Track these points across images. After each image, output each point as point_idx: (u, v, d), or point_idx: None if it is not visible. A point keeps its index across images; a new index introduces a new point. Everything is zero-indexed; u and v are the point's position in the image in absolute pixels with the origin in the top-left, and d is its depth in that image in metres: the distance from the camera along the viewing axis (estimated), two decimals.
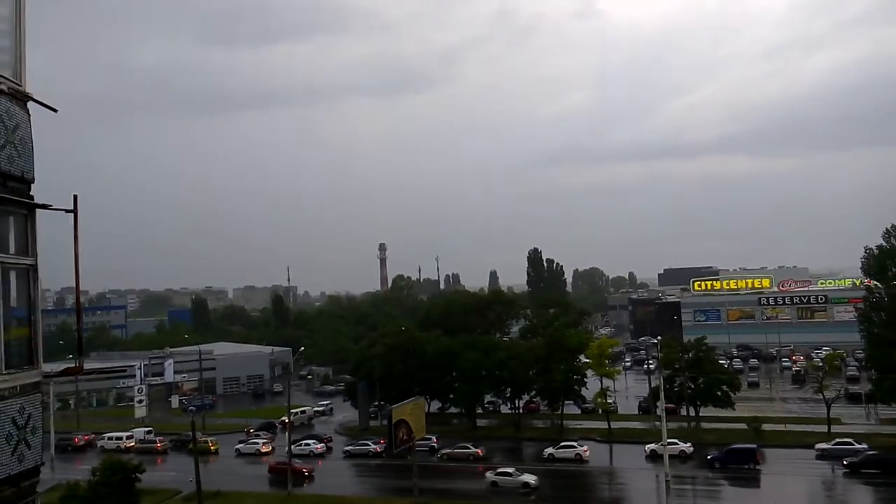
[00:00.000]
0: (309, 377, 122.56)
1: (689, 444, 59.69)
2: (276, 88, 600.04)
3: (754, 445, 57.49)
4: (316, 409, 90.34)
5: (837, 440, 57.87)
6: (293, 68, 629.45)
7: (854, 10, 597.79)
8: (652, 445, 58.93)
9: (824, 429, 62.91)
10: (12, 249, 9.00)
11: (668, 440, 58.92)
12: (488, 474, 54.15)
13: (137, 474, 44.25)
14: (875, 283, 73.98)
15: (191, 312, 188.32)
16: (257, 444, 70.53)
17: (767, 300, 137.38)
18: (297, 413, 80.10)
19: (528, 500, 50.68)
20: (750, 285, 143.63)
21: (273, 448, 69.40)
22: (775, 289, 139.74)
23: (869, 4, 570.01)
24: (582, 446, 61.35)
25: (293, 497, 52.61)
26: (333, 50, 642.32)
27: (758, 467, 55.06)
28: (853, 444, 56.20)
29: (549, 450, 61.37)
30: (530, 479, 52.52)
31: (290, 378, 77.73)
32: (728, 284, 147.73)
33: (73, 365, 10.06)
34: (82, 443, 77.17)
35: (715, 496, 52.27)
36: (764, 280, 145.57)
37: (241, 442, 71.99)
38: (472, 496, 51.64)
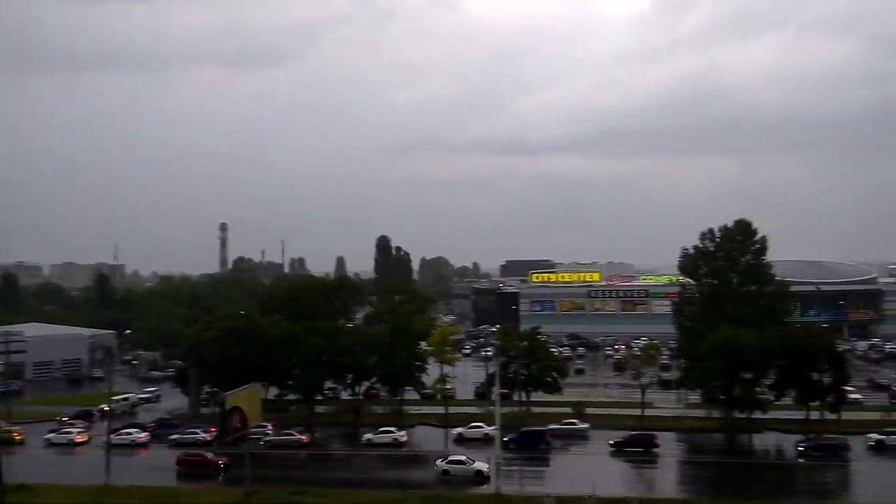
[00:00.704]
0: (134, 362, 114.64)
1: (493, 428, 62.73)
2: (114, 50, 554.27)
3: (545, 428, 62.31)
4: (141, 396, 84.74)
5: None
6: (133, 29, 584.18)
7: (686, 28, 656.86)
8: (459, 429, 63.56)
9: (639, 412, 68.53)
10: None
11: (474, 424, 63.18)
12: (439, 462, 52.39)
13: None
14: (688, 280, 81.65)
15: None
16: (71, 433, 64.91)
17: (596, 293, 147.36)
18: (119, 400, 74.70)
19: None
20: (581, 279, 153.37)
21: (89, 438, 64.25)
22: (603, 283, 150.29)
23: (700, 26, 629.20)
24: (400, 431, 62.81)
25: (109, 488, 48.97)
26: (180, 13, 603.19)
27: (549, 447, 59.59)
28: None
29: (368, 435, 62.49)
30: (483, 466, 51.20)
31: (111, 363, 72.15)
32: (562, 277, 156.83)
33: None
34: None
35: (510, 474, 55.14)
36: (594, 274, 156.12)
37: (52, 431, 65.93)
38: (300, 482, 50.65)
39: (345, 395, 79.16)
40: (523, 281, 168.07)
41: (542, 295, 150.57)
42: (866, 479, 50.82)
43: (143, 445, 63.34)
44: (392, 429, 63.45)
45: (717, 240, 78.61)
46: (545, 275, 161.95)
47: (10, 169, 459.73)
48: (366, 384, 79.20)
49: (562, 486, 46.80)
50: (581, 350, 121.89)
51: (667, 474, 53.82)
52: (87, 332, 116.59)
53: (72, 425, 68.36)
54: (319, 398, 77.01)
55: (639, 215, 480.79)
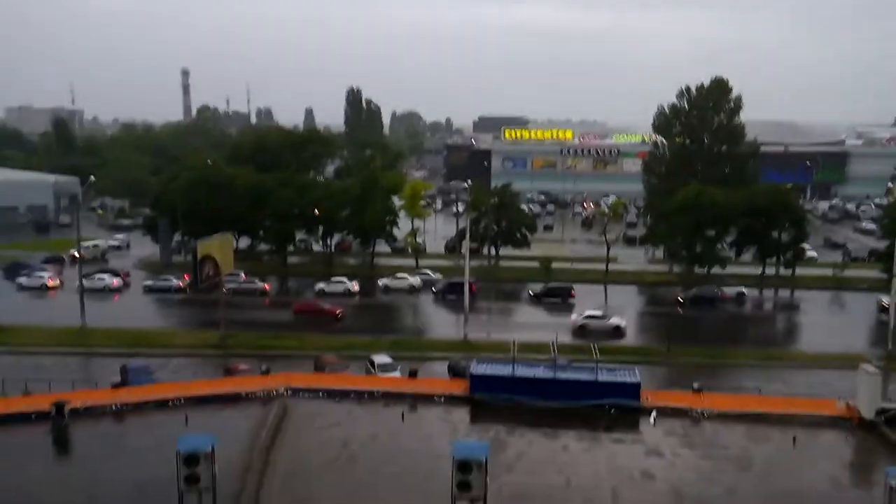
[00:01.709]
0: (101, 210, 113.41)
1: (416, 278, 66.15)
2: None
3: (472, 280, 63.05)
4: (111, 243, 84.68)
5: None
6: None
7: None
8: (385, 281, 66.06)
9: (604, 266, 70.99)
10: None
11: (399, 275, 66.04)
12: (575, 316, 53.12)
13: None
14: (661, 139, 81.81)
15: None
16: (43, 277, 65.31)
17: (568, 151, 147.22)
18: (88, 247, 74.64)
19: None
20: (554, 136, 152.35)
21: (61, 281, 64.82)
22: (576, 140, 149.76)
23: None
24: (351, 281, 64.72)
25: (84, 329, 50.21)
26: None
27: (474, 297, 60.56)
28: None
29: (321, 284, 64.24)
30: (620, 321, 52.34)
31: (78, 209, 71.07)
32: (535, 134, 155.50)
33: None
34: None
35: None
36: (567, 132, 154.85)
37: (23, 275, 66.20)
38: (270, 326, 52.43)
39: (317, 247, 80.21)
40: (496, 137, 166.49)
41: (514, 152, 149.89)
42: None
43: (116, 290, 64.25)
44: (343, 279, 65.20)
45: (693, 98, 77.96)
46: (518, 132, 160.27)
47: None
48: (338, 236, 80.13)
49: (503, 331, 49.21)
50: (551, 207, 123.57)
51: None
52: (50, 177, 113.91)
53: (43, 269, 68.65)
54: (291, 249, 77.97)
55: (615, 73, 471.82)
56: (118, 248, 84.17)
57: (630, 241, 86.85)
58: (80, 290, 53.70)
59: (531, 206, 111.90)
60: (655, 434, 19.96)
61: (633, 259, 79.20)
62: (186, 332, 52.00)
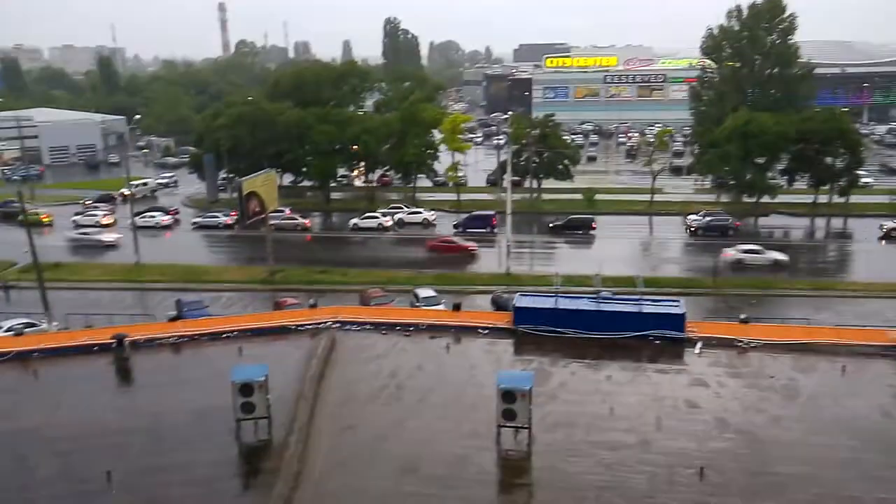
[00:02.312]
0: (147, 149, 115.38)
1: (432, 213, 67.20)
2: None
3: (493, 212, 64.45)
4: (159, 181, 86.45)
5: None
6: None
7: None
8: (400, 215, 66.13)
9: (648, 198, 69.77)
10: None
11: (414, 210, 66.82)
12: (731, 251, 52.03)
13: None
14: (710, 62, 78.64)
15: (1, 74, 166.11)
16: (96, 215, 67.33)
17: (612, 78, 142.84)
18: (138, 185, 76.39)
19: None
20: (598, 63, 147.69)
21: (115, 220, 66.75)
22: (620, 67, 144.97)
23: None
24: (385, 217, 65.00)
25: (139, 265, 51.96)
26: None
27: (494, 230, 61.83)
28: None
29: (354, 220, 64.57)
30: (779, 256, 51.71)
31: (125, 148, 72.49)
32: (578, 62, 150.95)
33: None
34: None
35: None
36: (611, 59, 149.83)
37: (77, 214, 68.35)
38: (313, 263, 53.35)
39: (359, 183, 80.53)
40: (537, 66, 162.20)
41: (556, 81, 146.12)
42: None
43: (167, 228, 65.95)
44: (377, 214, 65.47)
45: (744, 19, 74.35)
46: (560, 59, 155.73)
47: None
48: (379, 171, 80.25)
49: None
50: (594, 137, 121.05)
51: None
52: (97, 117, 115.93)
53: (96, 208, 70.75)
54: (333, 185, 78.50)
55: None
56: (166, 185, 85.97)
57: (676, 171, 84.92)
58: (132, 227, 55.34)
59: (574, 136, 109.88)
60: (700, 364, 19.98)
61: (680, 189, 77.61)
62: (235, 268, 53.44)
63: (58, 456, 15.83)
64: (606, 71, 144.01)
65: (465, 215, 64.64)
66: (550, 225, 62.83)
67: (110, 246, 59.21)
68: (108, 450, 15.86)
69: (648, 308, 21.64)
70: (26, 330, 32.78)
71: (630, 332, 20.96)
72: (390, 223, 64.60)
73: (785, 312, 39.31)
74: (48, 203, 73.97)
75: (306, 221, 64.79)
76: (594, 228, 62.08)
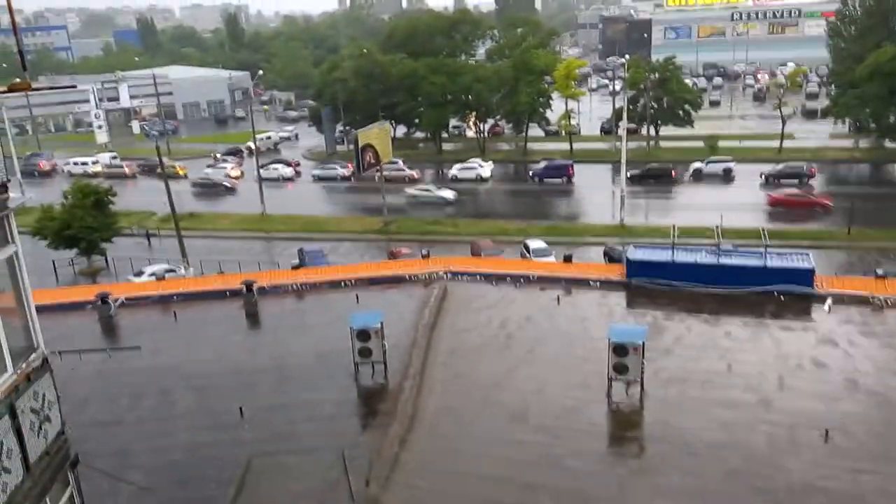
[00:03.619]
0: (269, 103, 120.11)
1: (489, 163, 66.29)
2: None
3: (569, 161, 63.25)
4: (281, 134, 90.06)
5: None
6: None
7: None
8: (453, 170, 64.98)
9: (777, 144, 65.37)
10: None
11: (470, 165, 65.27)
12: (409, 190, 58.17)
13: (109, 197, 45.05)
14: None
15: (137, 33, 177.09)
16: (225, 167, 71.32)
17: (740, 15, 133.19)
18: (262, 138, 79.95)
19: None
20: (725, 0, 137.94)
21: (242, 172, 70.42)
22: (749, 2, 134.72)
23: None
24: (482, 167, 64.64)
25: (265, 216, 54.81)
26: None
27: (570, 181, 60.46)
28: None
29: (453, 171, 64.95)
30: (448, 194, 56.75)
31: (250, 103, 75.98)
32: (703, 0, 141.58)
33: (20, 81, 9.43)
34: (48, 168, 77.25)
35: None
36: None
37: (209, 167, 72.66)
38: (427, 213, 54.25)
39: (470, 133, 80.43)
40: (657, 6, 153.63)
41: (677, 21, 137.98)
42: None
43: (289, 179, 68.92)
44: (475, 163, 65.41)
45: None
46: None
47: None
48: (490, 121, 79.65)
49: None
50: (718, 80, 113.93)
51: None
52: (224, 73, 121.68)
53: (225, 161, 74.95)
54: (445, 136, 78.80)
55: None
56: (288, 139, 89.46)
57: (810, 115, 78.83)
58: (258, 179, 58.32)
59: (696, 79, 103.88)
60: (830, 322, 18.82)
61: (813, 135, 72.03)
62: (352, 218, 55.29)
63: (195, 391, 17.30)
64: (734, 7, 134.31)
65: (540, 165, 63.78)
66: (628, 176, 60.01)
67: (230, 189, 64.73)
68: (239, 387, 17.15)
69: (773, 262, 20.54)
70: (167, 275, 35.53)
71: (753, 287, 20.02)
72: (489, 174, 64.50)
73: None
74: (182, 157, 79.00)
75: (413, 173, 65.48)
76: (571, 175, 60.92)
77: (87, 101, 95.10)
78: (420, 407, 15.71)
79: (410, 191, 58.33)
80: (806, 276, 20.16)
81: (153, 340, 20.34)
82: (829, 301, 19.59)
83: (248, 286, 21.91)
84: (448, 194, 57.09)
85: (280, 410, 16.07)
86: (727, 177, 58.76)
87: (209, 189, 64.85)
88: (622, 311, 20.49)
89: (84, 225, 42.71)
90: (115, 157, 77.29)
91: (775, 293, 19.97)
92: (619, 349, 15.37)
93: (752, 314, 19.38)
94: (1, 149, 8.78)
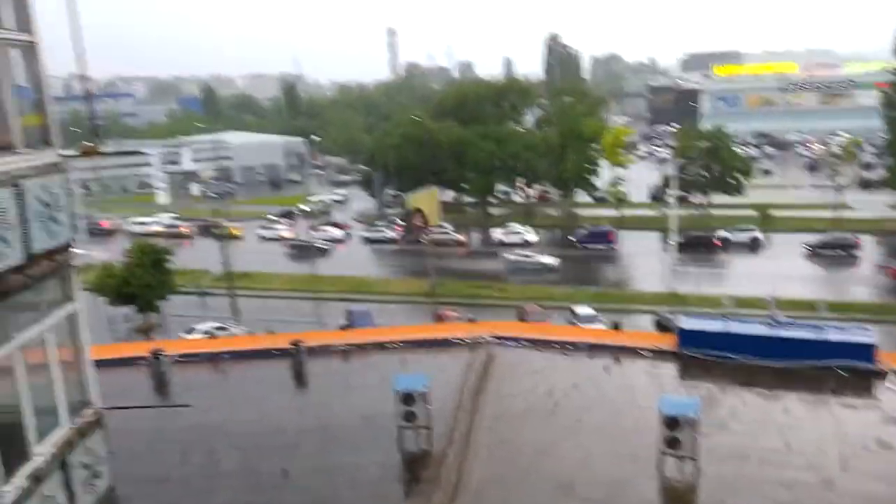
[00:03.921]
0: (322, 168, 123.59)
1: (531, 230, 66.26)
2: None
3: (610, 228, 64.01)
4: (333, 198, 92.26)
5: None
6: None
7: None
8: (499, 235, 64.92)
9: (831, 214, 63.92)
10: (11, 25, 8.59)
11: (514, 230, 65.40)
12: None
13: (167, 256, 46.55)
14: None
15: (200, 101, 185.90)
16: (278, 229, 73.13)
17: (791, 86, 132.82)
18: (314, 201, 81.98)
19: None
20: (774, 70, 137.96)
21: (294, 234, 72.03)
22: (800, 74, 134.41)
23: None
24: (529, 233, 65.43)
25: (314, 276, 55.67)
26: None
27: (613, 246, 60.36)
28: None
29: (499, 235, 66.09)
30: (549, 260, 55.13)
31: (304, 168, 78.39)
32: (751, 69, 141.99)
33: (90, 145, 10.01)
34: (110, 227, 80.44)
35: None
36: (789, 65, 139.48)
37: (262, 228, 74.63)
38: (476, 276, 54.17)
39: (518, 199, 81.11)
40: (705, 76, 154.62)
41: (726, 90, 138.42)
42: None
43: (338, 241, 70.21)
44: (521, 228, 66.07)
45: None
46: (731, 67, 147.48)
47: None
48: (538, 187, 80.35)
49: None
50: (769, 149, 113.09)
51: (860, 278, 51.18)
52: (280, 139, 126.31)
53: (278, 223, 76.96)
54: (493, 201, 79.61)
55: None
56: (339, 202, 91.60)
57: (866, 185, 77.09)
58: (308, 240, 59.59)
59: (746, 148, 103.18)
60: (895, 401, 17.93)
61: (870, 206, 70.28)
62: (399, 280, 55.73)
63: (240, 450, 17.30)
64: (784, 78, 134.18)
65: (581, 231, 64.33)
66: (571, 238, 61.43)
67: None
68: (284, 448, 17.09)
69: (832, 335, 19.80)
70: (218, 332, 36.13)
71: (810, 361, 19.29)
72: (535, 239, 64.42)
73: None
74: (237, 218, 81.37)
75: (461, 237, 66.04)
76: (613, 241, 60.73)
77: (150, 164, 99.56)
78: (464, 474, 15.38)
79: (509, 256, 57.19)
80: (867, 351, 19.35)
81: (202, 398, 20.52)
82: (893, 378, 18.70)
83: (296, 346, 22.11)
84: (549, 260, 55.97)
85: (323, 473, 15.93)
86: (754, 246, 57.62)
87: (303, 251, 65.97)
88: (674, 382, 19.90)
89: (142, 283, 44.08)
90: (174, 218, 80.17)
91: (834, 368, 19.19)
92: (671, 422, 14.84)
93: (811, 390, 18.59)
94: (69, 210, 9.25)
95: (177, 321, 44.81)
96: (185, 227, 77.21)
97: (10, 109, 8.36)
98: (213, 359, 23.52)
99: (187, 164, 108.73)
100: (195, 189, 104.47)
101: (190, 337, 36.43)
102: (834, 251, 54.75)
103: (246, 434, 18.00)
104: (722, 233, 59.85)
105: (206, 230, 73.74)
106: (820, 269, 53.65)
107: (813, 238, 57.36)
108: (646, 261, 56.69)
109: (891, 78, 75.95)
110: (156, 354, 22.49)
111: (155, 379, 22.13)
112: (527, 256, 57.36)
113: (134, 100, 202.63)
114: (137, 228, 76.85)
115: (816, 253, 55.10)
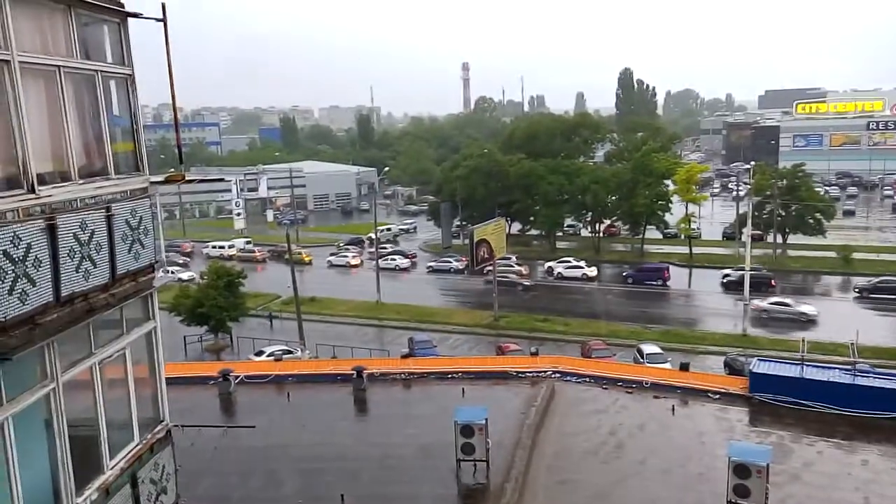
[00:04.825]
0: (392, 197, 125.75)
1: (592, 267, 64.64)
2: None
3: (665, 265, 62.57)
4: (401, 227, 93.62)
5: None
6: None
7: None
8: (559, 268, 64.53)
9: None
10: (109, 59, 9.22)
11: (571, 264, 64.43)
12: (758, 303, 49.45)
13: (240, 279, 48.07)
14: None
15: (280, 131, 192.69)
16: (347, 256, 74.60)
17: (877, 125, 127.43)
18: (383, 230, 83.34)
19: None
20: (860, 108, 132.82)
21: (361, 261, 73.28)
22: (888, 112, 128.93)
23: None
24: (589, 267, 64.33)
25: (379, 304, 56.31)
26: None
27: (666, 283, 59.13)
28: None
29: (559, 269, 64.58)
30: (809, 309, 48.83)
31: (375, 197, 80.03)
32: (835, 108, 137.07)
33: (175, 173, 10.61)
34: (189, 250, 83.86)
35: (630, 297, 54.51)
36: (876, 103, 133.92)
37: (332, 254, 76.28)
38: (537, 311, 53.53)
39: (585, 232, 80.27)
40: (785, 113, 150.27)
41: (807, 128, 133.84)
42: None
43: (405, 270, 70.98)
44: (581, 263, 64.98)
45: None
46: (814, 105, 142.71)
47: (280, 25, 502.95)
48: (606, 222, 79.36)
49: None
50: (852, 189, 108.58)
51: None
52: (353, 169, 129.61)
53: (347, 250, 78.53)
54: (560, 234, 79.01)
55: None
56: (407, 231, 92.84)
57: None
58: (376, 269, 60.45)
59: (828, 188, 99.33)
60: None
61: None
62: (463, 311, 55.73)
63: (300, 473, 17.58)
64: (870, 116, 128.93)
65: (634, 267, 63.70)
66: (623, 274, 61.00)
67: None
68: (343, 473, 17.28)
69: None
70: (284, 356, 36.95)
71: (892, 413, 18.25)
72: (595, 273, 63.66)
73: None
74: (309, 244, 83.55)
75: (522, 269, 65.63)
76: (667, 278, 59.64)
77: (230, 190, 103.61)
78: None
79: (761, 304, 49.47)
80: None
81: (266, 420, 21.02)
82: None
83: (359, 372, 22.41)
84: (810, 310, 48.62)
85: (380, 501, 16.00)
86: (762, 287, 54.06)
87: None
88: (744, 428, 19.17)
89: (215, 304, 45.58)
90: (248, 243, 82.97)
91: None
92: (741, 469, 14.31)
93: (892, 443, 17.58)
94: (153, 233, 9.78)
95: (246, 343, 46.04)
96: (259, 252, 79.68)
97: (107, 137, 8.96)
98: (278, 381, 24.12)
99: (264, 191, 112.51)
100: (270, 215, 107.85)
101: (258, 359, 37.34)
102: (884, 295, 52.46)
103: (306, 458, 18.29)
104: (727, 272, 58.40)
105: (279, 255, 75.88)
106: (869, 312, 51.01)
107: (863, 281, 55.44)
108: (711, 299, 54.96)
109: None
110: (224, 375, 23.25)
111: (222, 398, 22.84)
112: (783, 304, 49.73)
113: (219, 129, 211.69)
114: (214, 252, 79.76)
115: (865, 297, 53.09)
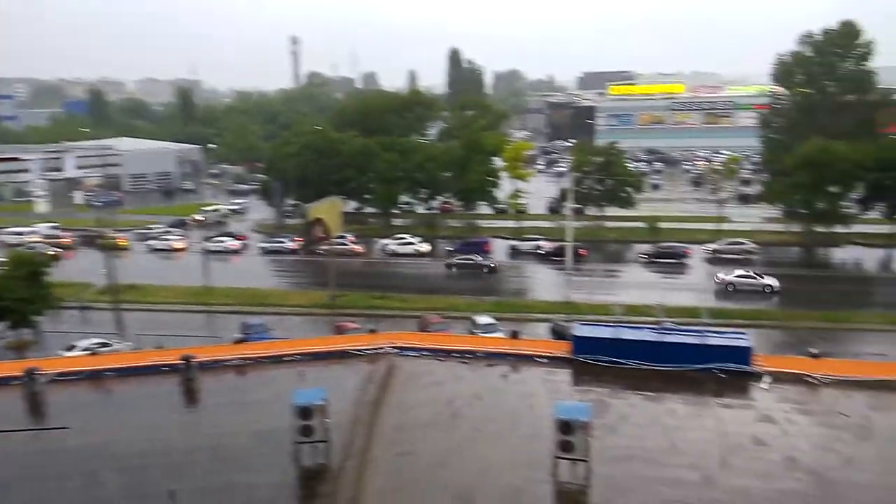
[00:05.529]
0: (220, 176, 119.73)
1: (425, 244, 67.16)
2: None
3: (486, 239, 67.05)
4: (230, 207, 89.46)
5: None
6: None
7: None
8: (392, 245, 66.60)
9: (714, 227, 68.04)
10: None
11: (404, 240, 66.28)
12: (724, 275, 52.85)
13: (45, 268, 43.57)
14: (781, 89, 76.67)
15: (87, 104, 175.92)
16: (170, 240, 70.09)
17: (678, 105, 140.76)
18: (210, 211, 79.18)
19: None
20: (663, 90, 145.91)
21: (186, 245, 69.24)
22: (687, 94, 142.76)
23: None
24: (422, 243, 66.52)
25: (208, 288, 53.65)
26: None
27: (488, 257, 62.68)
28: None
29: (392, 246, 66.36)
30: (772, 281, 51.91)
31: (199, 176, 75.59)
32: (643, 89, 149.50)
33: None
34: None
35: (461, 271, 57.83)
36: (677, 86, 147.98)
37: (151, 238, 71.28)
38: (370, 287, 53.87)
39: (420, 209, 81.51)
40: (601, 94, 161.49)
41: (619, 108, 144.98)
42: None
43: (235, 252, 68.06)
44: (413, 239, 66.84)
45: (817, 44, 72.32)
46: (624, 87, 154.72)
47: None
48: (440, 199, 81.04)
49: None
50: (659, 165, 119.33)
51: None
52: (174, 146, 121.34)
53: (169, 233, 73.71)
54: (396, 212, 79.61)
55: (728, 18, 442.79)
56: (236, 211, 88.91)
57: (744, 200, 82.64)
58: (202, 252, 57.36)
59: (637, 164, 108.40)
60: (768, 400, 19.18)
61: (748, 218, 75.40)
62: (298, 292, 54.59)
63: (124, 472, 16.36)
64: (672, 98, 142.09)
65: (458, 242, 66.22)
66: (448, 249, 64.33)
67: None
68: (172, 468, 16.30)
69: (712, 340, 21.00)
70: (101, 349, 34.15)
71: (693, 365, 20.36)
72: (428, 248, 65.05)
73: (860, 348, 37.50)
74: (126, 228, 77.41)
75: (356, 248, 65.66)
76: (489, 252, 63.23)
77: (29, 170, 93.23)
78: (362, 488, 15.17)
79: (725, 277, 52.54)
80: (744, 354, 20.64)
81: (83, 419, 19.29)
82: (766, 379, 20.02)
83: (187, 361, 21.16)
84: (774, 282, 51.99)
85: (214, 494, 15.29)
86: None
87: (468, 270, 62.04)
88: (568, 388, 20.47)
89: (16, 297, 41.01)
90: (54, 228, 75.25)
91: (715, 370, 20.33)
92: (565, 427, 15.26)
93: (694, 392, 19.62)
94: None
95: (55, 338, 41.92)
96: (66, 238, 72.57)
97: None
98: (94, 377, 22.15)
99: (71, 171, 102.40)
100: (78, 197, 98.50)
101: (69, 354, 34.18)
102: (666, 259, 59.41)
103: (130, 455, 17.01)
104: (514, 243, 64.12)
105: (91, 241, 69.65)
106: (655, 276, 57.17)
107: (647, 247, 62.04)
108: (528, 271, 58.30)
109: (768, 100, 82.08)
110: (30, 374, 20.94)
111: (28, 400, 20.59)
112: (748, 277, 52.38)
113: (14, 102, 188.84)
114: (13, 239, 71.57)
115: (651, 261, 59.68)
